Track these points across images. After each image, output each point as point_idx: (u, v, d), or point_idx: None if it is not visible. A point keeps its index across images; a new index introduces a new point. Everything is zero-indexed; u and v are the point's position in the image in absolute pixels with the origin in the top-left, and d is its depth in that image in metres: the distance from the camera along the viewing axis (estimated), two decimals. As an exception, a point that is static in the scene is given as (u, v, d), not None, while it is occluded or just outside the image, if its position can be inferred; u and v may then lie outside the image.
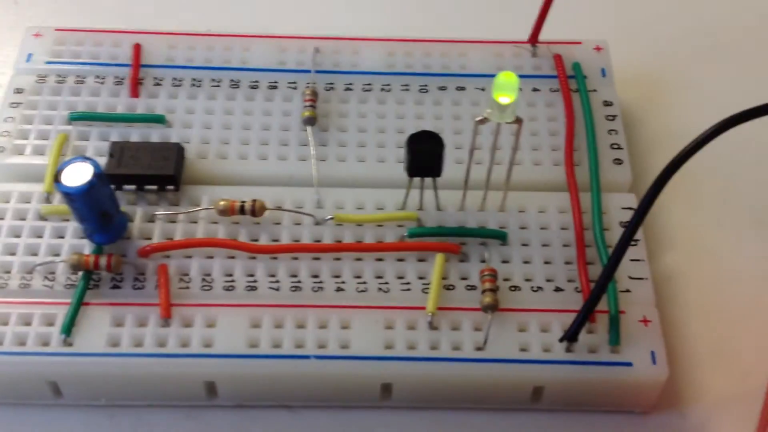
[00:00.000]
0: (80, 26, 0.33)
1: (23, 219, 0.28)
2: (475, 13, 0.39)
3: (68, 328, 0.26)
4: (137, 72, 0.32)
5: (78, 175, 0.25)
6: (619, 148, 0.32)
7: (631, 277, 0.28)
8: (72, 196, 0.25)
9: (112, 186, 0.28)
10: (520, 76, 0.33)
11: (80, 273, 0.27)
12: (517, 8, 0.35)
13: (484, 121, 0.26)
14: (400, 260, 0.28)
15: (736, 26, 0.38)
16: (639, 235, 0.29)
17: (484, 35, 0.35)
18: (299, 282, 0.28)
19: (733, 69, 0.37)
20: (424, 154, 0.27)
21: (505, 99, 0.26)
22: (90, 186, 0.25)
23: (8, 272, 0.27)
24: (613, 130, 0.32)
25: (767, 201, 0.33)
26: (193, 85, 0.32)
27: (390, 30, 0.35)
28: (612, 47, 0.34)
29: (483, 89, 0.33)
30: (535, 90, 0.33)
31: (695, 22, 0.38)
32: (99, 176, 0.25)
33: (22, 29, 0.34)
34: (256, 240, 0.29)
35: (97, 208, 0.26)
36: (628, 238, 0.25)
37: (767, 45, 0.37)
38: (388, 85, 0.33)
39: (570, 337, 0.26)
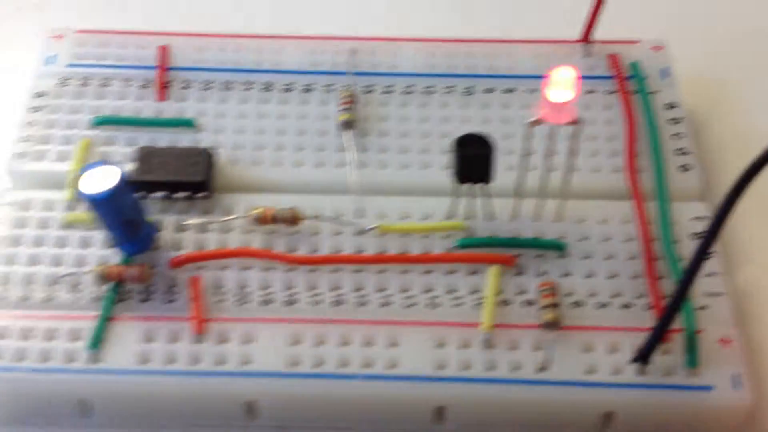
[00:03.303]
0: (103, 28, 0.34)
1: (46, 228, 0.28)
2: (522, 10, 0.39)
3: (96, 343, 0.26)
4: (164, 75, 0.32)
5: (100, 180, 0.25)
6: (686, 153, 0.31)
7: (706, 293, 0.28)
8: (94, 202, 0.25)
9: (140, 193, 0.28)
10: (574, 77, 0.34)
11: (108, 285, 0.27)
12: (567, 5, 0.35)
13: (537, 122, 0.26)
14: (450, 273, 0.28)
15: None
16: (714, 247, 0.29)
17: (532, 34, 0.35)
18: (342, 295, 0.27)
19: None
20: (473, 159, 0.27)
21: (561, 97, 0.26)
22: (112, 192, 0.25)
23: (31, 284, 0.27)
24: (677, 134, 0.32)
25: None
26: (224, 88, 0.32)
27: (430, 29, 0.35)
28: (670, 46, 0.34)
29: (533, 91, 0.33)
30: (589, 92, 0.33)
31: (762, 19, 0.38)
32: (122, 181, 0.25)
33: (32, 28, 0.34)
34: (294, 250, 0.28)
35: (121, 216, 0.26)
36: (704, 250, 0.25)
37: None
38: (431, 87, 0.33)
39: (643, 358, 0.26)
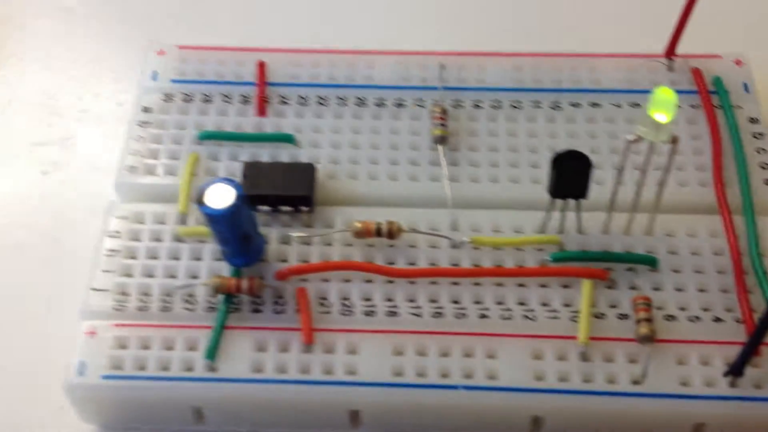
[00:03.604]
0: (199, 43, 0.35)
1: (159, 240, 0.29)
2: (603, 24, 0.39)
3: (212, 353, 0.27)
4: (263, 91, 0.33)
5: (220, 196, 0.26)
6: (770, 168, 0.32)
7: (795, 307, 0.28)
8: (216, 218, 0.26)
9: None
10: (657, 92, 0.34)
11: (221, 296, 0.28)
12: (646, 19, 0.36)
13: (637, 140, 0.27)
14: (543, 286, 0.29)
15: None
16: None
17: (612, 48, 0.35)
18: (441, 308, 0.28)
19: None
20: (572, 175, 0.28)
21: (662, 117, 0.26)
22: (235, 208, 0.26)
23: (148, 295, 0.28)
24: (761, 148, 0.32)
25: None
26: (320, 103, 0.33)
27: (513, 43, 0.35)
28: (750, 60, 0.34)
29: (619, 106, 0.33)
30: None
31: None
32: (242, 198, 0.26)
33: (134, 44, 0.36)
34: (392, 263, 0.29)
35: (239, 231, 0.27)
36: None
37: None
38: (519, 102, 0.33)
39: (736, 371, 0.26)
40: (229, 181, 0.26)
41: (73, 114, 0.37)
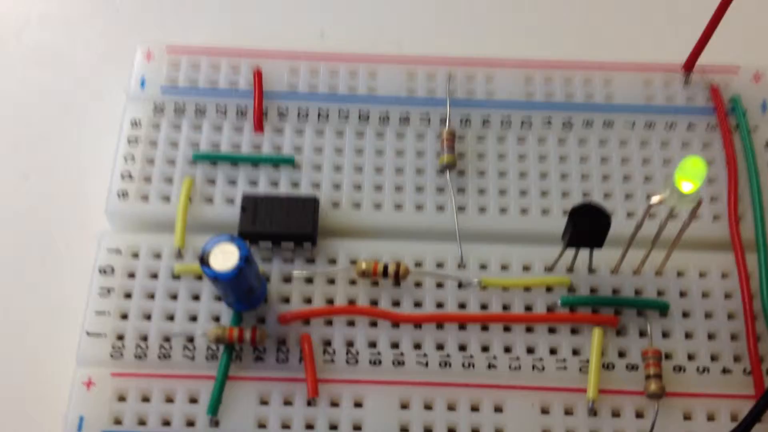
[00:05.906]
0: (190, 42, 0.32)
1: (155, 278, 0.28)
2: (617, 27, 0.37)
3: (215, 409, 0.26)
4: (261, 104, 0.31)
5: (224, 256, 0.24)
6: (788, 200, 0.31)
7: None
8: (220, 280, 0.25)
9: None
10: (673, 109, 0.33)
11: (222, 346, 0.27)
12: (662, 27, 0.34)
13: (660, 202, 0.26)
14: (552, 331, 0.28)
15: None
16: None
17: (627, 53, 0.33)
18: (448, 356, 0.28)
19: None
20: (590, 230, 0.27)
21: (688, 186, 0.25)
22: (239, 270, 0.24)
23: (145, 340, 0.27)
24: (777, 177, 0.31)
25: None
26: (320, 117, 0.31)
27: (525, 49, 0.34)
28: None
29: (632, 125, 0.32)
30: (689, 128, 0.32)
31: None
32: (247, 259, 0.25)
33: (119, 44, 0.33)
34: (397, 302, 0.28)
35: (243, 287, 0.26)
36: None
37: None
38: (529, 117, 0.32)
39: (741, 433, 0.26)
40: (233, 239, 0.25)
41: (58, 116, 0.35)
